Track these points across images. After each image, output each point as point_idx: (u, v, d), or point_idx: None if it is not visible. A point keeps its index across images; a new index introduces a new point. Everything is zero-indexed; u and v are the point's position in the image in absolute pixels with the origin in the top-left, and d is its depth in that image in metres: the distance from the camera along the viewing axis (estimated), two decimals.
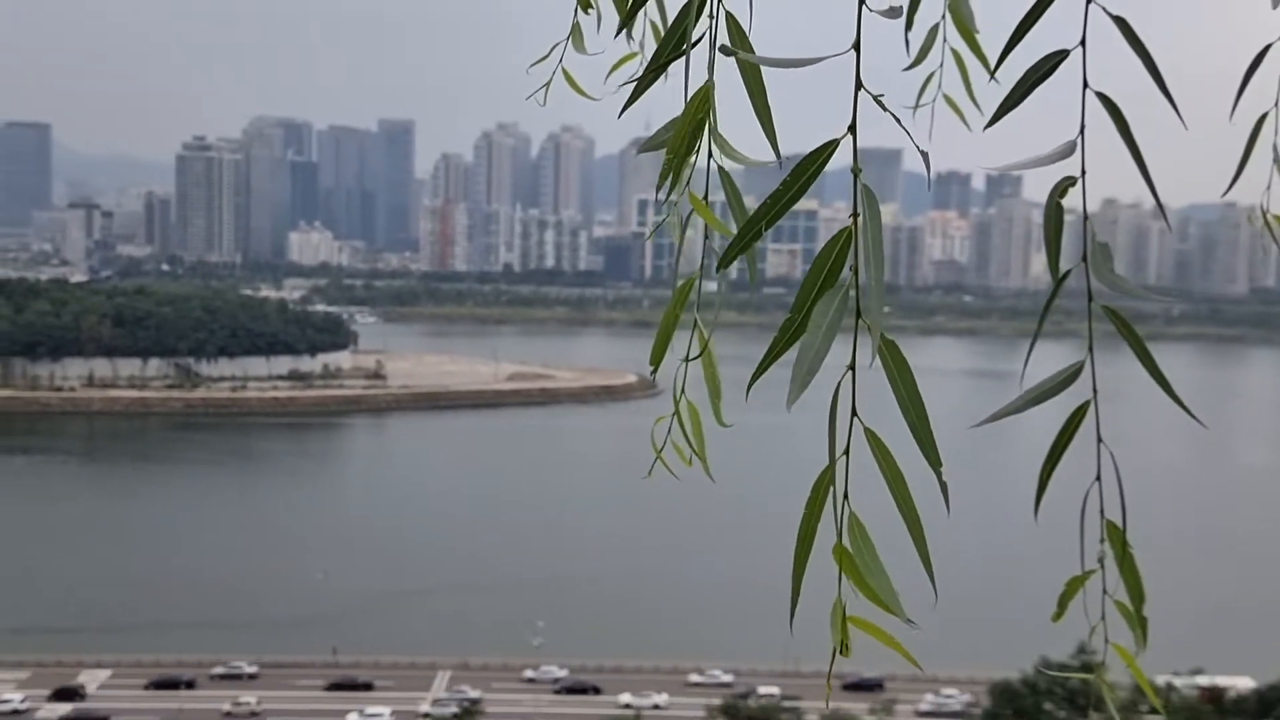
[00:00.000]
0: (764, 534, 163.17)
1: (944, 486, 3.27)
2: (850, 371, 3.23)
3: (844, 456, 3.15)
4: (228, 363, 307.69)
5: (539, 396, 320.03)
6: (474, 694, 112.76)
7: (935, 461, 3.24)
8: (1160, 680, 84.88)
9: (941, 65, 4.47)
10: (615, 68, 4.57)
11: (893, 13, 3.69)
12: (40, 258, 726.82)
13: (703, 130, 3.89)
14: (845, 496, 3.13)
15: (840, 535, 3.15)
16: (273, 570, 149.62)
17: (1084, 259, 3.81)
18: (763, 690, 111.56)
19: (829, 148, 3.52)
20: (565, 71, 4.30)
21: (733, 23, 3.92)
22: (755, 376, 3.52)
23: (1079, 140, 3.85)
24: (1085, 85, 3.83)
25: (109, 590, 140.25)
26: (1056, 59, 3.83)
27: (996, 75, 4.26)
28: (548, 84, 4.37)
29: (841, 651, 3.11)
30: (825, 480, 3.14)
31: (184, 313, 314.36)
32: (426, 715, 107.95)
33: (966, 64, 4.79)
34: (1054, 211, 3.93)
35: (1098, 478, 3.74)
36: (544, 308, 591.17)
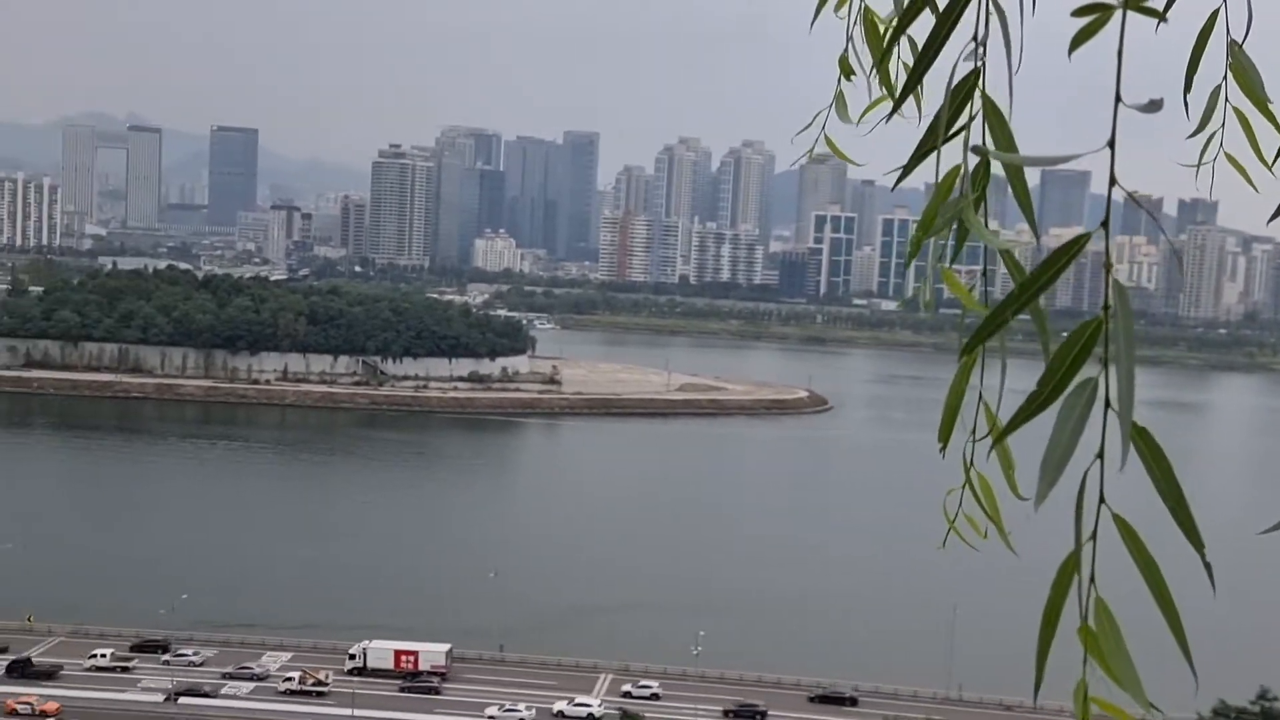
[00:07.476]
0: (936, 552, 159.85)
1: (1208, 567, 3.34)
2: (1099, 460, 3.35)
3: (1090, 541, 3.27)
4: (412, 362, 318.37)
5: (709, 408, 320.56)
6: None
7: (1198, 545, 3.31)
8: None
9: (1223, 125, 4.41)
10: (869, 108, 4.75)
11: (1152, 107, 3.78)
12: (244, 256, 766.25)
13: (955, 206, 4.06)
14: (1092, 580, 3.25)
15: (1085, 617, 3.27)
16: (446, 567, 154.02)
17: None
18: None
19: (1081, 240, 3.66)
20: (828, 138, 4.43)
21: (991, 110, 4.02)
22: (1000, 437, 3.66)
23: None
24: None
25: (289, 581, 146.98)
26: None
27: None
28: (810, 150, 4.53)
29: None
30: (1071, 564, 3.26)
31: (373, 313, 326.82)
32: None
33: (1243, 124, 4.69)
34: None
35: None
36: (717, 320, 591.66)
